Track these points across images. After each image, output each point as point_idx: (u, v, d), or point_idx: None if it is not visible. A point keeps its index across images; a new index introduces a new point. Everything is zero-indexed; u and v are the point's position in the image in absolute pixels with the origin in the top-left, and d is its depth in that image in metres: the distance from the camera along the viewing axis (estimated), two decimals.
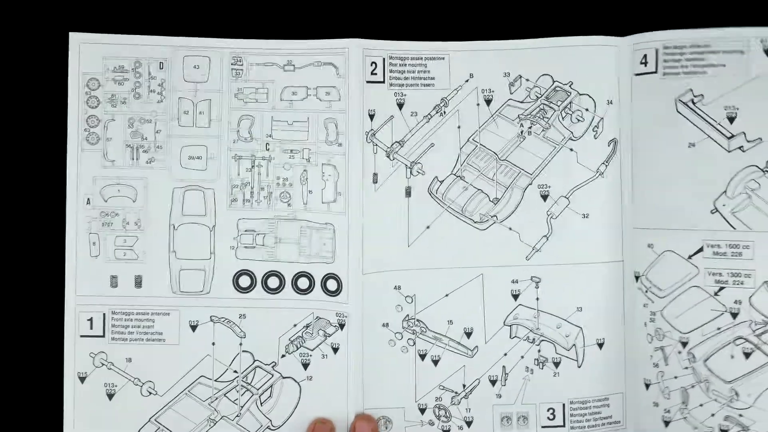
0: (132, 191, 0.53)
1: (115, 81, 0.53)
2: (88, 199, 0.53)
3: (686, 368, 0.52)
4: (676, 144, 0.52)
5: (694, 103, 0.52)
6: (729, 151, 0.51)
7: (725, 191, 0.51)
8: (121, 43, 0.53)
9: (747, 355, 0.50)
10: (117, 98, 0.53)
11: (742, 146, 0.51)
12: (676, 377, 0.52)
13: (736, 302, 0.51)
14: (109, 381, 0.53)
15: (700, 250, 0.52)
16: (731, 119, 0.51)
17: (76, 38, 0.53)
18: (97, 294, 0.53)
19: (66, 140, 0.53)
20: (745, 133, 0.51)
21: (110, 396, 0.53)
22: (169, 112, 0.53)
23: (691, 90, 0.52)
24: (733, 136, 0.51)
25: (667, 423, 0.53)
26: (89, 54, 0.53)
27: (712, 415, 0.51)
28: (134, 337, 0.53)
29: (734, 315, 0.51)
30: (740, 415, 0.50)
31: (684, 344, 0.52)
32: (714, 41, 0.51)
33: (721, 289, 0.51)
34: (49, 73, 0.53)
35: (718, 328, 0.51)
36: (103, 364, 0.53)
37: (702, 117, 0.51)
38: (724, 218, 0.51)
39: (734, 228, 0.51)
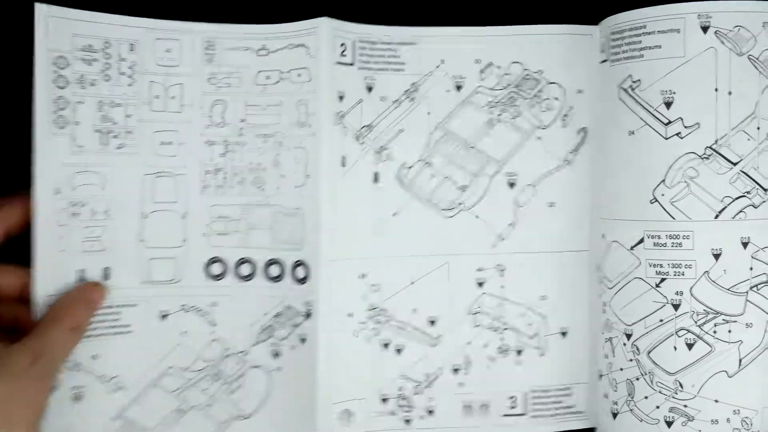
0: (101, 178, 0.50)
1: (84, 61, 0.50)
2: (58, 189, 0.49)
3: (631, 360, 0.51)
4: (619, 133, 0.51)
5: (633, 90, 0.50)
6: (666, 138, 0.49)
7: (664, 180, 0.49)
8: (90, 20, 0.50)
9: (690, 346, 0.49)
10: (86, 79, 0.50)
11: (679, 132, 0.49)
12: (622, 369, 0.52)
13: (677, 293, 0.49)
14: (76, 384, 0.50)
15: (641, 241, 0.50)
16: (668, 104, 0.49)
17: (42, 10, 0.48)
18: (62, 292, 0.49)
19: (31, 123, 0.49)
20: (682, 119, 0.49)
21: (77, 398, 0.50)
22: (140, 96, 0.51)
23: (630, 76, 0.50)
24: (670, 122, 0.49)
25: (615, 415, 0.52)
26: (57, 29, 0.49)
27: (657, 407, 0.50)
28: (99, 332, 0.50)
29: (676, 306, 0.50)
30: (685, 406, 0.50)
31: (628, 336, 0.51)
32: (649, 21, 0.49)
33: (663, 280, 0.50)
34: (14, 48, 0.50)
35: (661, 320, 0.50)
36: (68, 369, 0.50)
37: (640, 104, 0.50)
38: (663, 208, 0.50)
39: (674, 218, 0.49)
